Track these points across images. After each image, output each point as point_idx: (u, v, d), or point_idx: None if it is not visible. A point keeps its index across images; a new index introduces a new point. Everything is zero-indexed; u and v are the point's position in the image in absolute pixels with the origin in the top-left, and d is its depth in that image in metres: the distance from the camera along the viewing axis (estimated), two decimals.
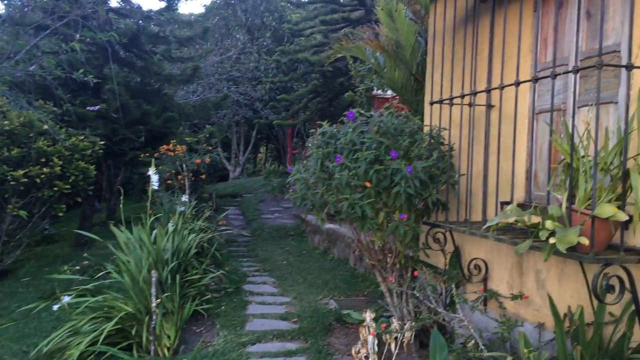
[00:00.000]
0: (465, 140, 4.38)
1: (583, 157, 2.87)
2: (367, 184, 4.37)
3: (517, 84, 3.29)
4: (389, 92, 10.63)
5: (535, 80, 3.16)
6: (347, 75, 13.64)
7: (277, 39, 19.92)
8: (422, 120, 5.64)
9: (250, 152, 26.32)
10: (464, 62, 4.19)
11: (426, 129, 4.87)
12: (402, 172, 4.22)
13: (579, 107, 3.56)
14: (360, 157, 4.34)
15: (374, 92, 11.90)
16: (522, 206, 4.06)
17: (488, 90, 3.67)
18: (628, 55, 3.16)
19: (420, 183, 4.28)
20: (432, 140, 4.61)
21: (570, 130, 2.80)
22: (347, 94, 12.64)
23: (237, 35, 19.67)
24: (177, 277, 5.59)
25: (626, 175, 2.65)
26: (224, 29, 20.67)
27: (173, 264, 5.70)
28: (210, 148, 12.84)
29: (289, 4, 18.80)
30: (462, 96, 4.01)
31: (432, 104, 4.50)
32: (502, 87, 3.48)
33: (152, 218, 5.91)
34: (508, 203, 3.77)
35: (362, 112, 4.89)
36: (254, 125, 20.70)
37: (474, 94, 3.84)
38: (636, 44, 3.06)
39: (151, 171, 5.53)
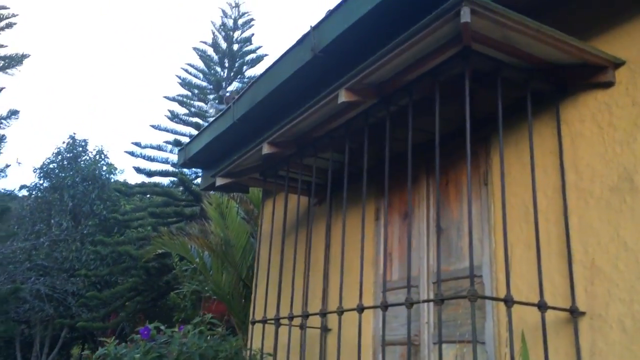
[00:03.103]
0: None
1: None
2: None
3: (361, 309, 2.43)
4: None
5: (385, 307, 2.32)
6: (174, 273, 12.28)
7: (106, 228, 18.18)
8: (246, 338, 4.52)
9: (60, 354, 22.04)
10: (294, 273, 3.32)
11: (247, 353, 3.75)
12: None
13: (434, 344, 2.77)
14: None
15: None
16: None
17: (323, 314, 2.76)
18: (491, 281, 2.53)
19: None
20: None
21: None
22: (172, 294, 11.19)
23: (55, 220, 17.50)
24: None
25: None
26: (45, 213, 18.47)
27: None
28: None
29: (121, 194, 17.56)
30: (291, 317, 3.05)
31: (253, 323, 3.46)
32: (341, 312, 2.59)
33: None
34: None
35: (162, 328, 3.68)
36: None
37: (306, 316, 2.90)
38: (500, 266, 2.44)
39: None
